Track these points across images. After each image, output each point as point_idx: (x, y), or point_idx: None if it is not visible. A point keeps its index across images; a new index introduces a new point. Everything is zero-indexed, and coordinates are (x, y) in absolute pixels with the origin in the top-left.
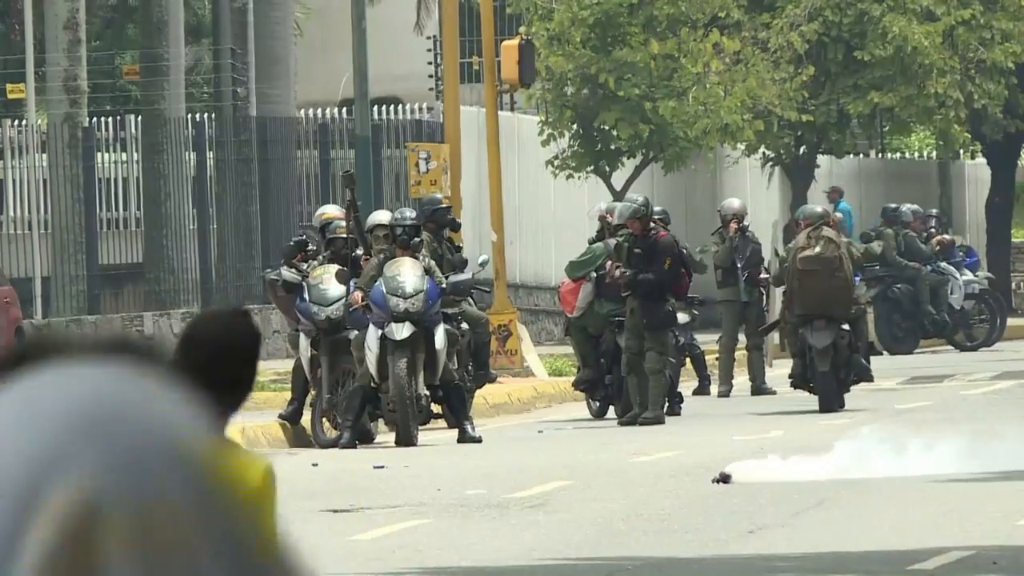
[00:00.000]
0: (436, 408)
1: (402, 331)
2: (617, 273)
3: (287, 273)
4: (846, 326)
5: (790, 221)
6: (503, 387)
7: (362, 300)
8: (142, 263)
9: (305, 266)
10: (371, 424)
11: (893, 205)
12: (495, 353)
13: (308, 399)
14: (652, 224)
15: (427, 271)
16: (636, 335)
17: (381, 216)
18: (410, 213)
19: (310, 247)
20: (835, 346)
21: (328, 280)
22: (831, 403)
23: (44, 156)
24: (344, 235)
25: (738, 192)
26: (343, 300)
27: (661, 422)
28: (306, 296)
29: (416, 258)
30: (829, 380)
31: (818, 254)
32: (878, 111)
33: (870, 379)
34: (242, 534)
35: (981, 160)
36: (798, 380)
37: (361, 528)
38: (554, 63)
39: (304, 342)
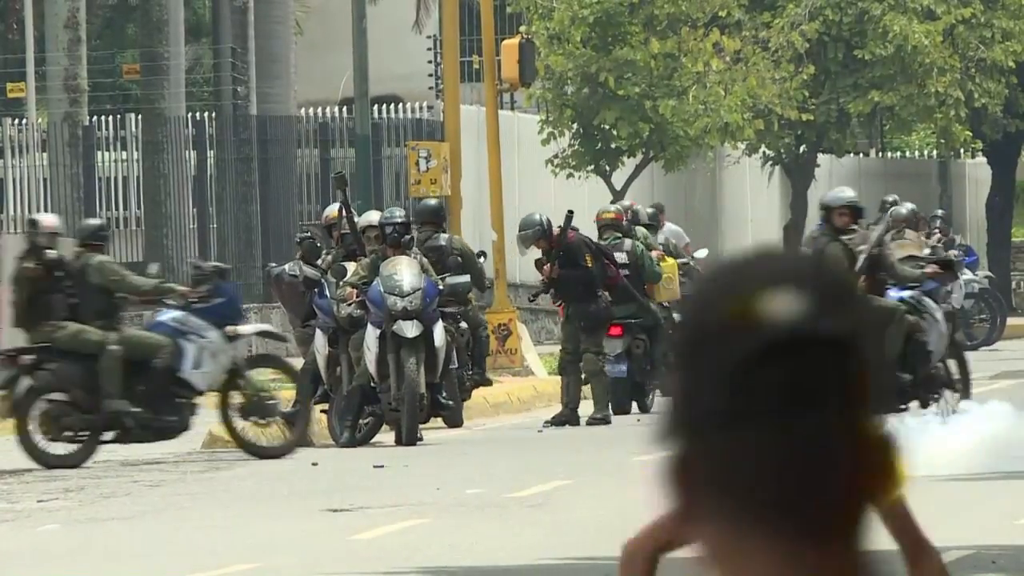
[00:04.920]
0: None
1: (411, 329)
2: (548, 268)
3: (308, 269)
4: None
5: (790, 221)
6: (503, 386)
7: (356, 296)
8: (142, 262)
9: (320, 262)
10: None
11: (891, 197)
12: (495, 352)
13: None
14: (563, 234)
15: (422, 269)
16: (572, 338)
17: (372, 216)
18: (399, 212)
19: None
20: None
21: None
22: None
23: (44, 155)
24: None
25: (738, 191)
26: None
27: (608, 422)
28: (326, 292)
29: (410, 256)
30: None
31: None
32: (878, 110)
33: None
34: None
35: (981, 159)
36: None
37: (361, 528)
38: (554, 62)
39: (321, 339)
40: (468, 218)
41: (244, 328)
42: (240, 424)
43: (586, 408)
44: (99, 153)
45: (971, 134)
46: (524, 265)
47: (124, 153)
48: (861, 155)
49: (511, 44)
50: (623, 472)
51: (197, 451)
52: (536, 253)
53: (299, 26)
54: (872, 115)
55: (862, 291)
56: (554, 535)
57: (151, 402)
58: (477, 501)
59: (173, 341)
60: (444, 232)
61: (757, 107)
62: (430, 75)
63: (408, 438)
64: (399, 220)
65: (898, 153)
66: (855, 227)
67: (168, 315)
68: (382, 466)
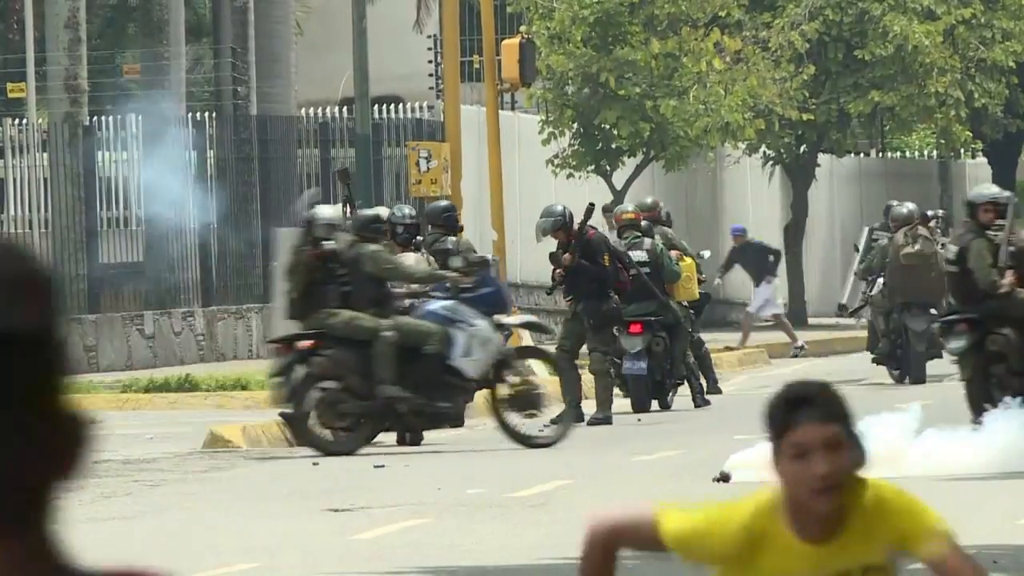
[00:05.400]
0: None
1: None
2: (567, 258)
3: None
4: (934, 311)
5: (790, 221)
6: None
7: None
8: (143, 262)
9: None
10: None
11: (895, 202)
12: None
13: None
14: (583, 227)
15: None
16: (572, 335)
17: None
18: (408, 211)
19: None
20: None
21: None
22: (921, 376)
23: (45, 155)
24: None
25: (738, 191)
26: None
27: (609, 422)
28: None
29: (417, 254)
30: (923, 358)
31: (919, 251)
32: (879, 110)
33: (940, 356)
34: None
35: (982, 159)
36: (883, 358)
37: (361, 527)
38: (555, 62)
39: None
40: (469, 218)
41: (510, 318)
42: (510, 416)
43: (588, 407)
44: (99, 153)
45: (971, 134)
46: (525, 265)
47: (124, 153)
48: (861, 155)
49: (511, 44)
50: (623, 472)
51: (197, 451)
52: (550, 245)
53: (299, 26)
54: (872, 115)
55: (50, 286)
56: (554, 535)
57: (424, 389)
58: (478, 501)
59: (444, 329)
60: (454, 236)
61: (758, 107)
62: (430, 75)
63: (412, 437)
64: (409, 221)
65: (898, 153)
66: (1001, 222)
67: (438, 304)
68: (383, 466)
